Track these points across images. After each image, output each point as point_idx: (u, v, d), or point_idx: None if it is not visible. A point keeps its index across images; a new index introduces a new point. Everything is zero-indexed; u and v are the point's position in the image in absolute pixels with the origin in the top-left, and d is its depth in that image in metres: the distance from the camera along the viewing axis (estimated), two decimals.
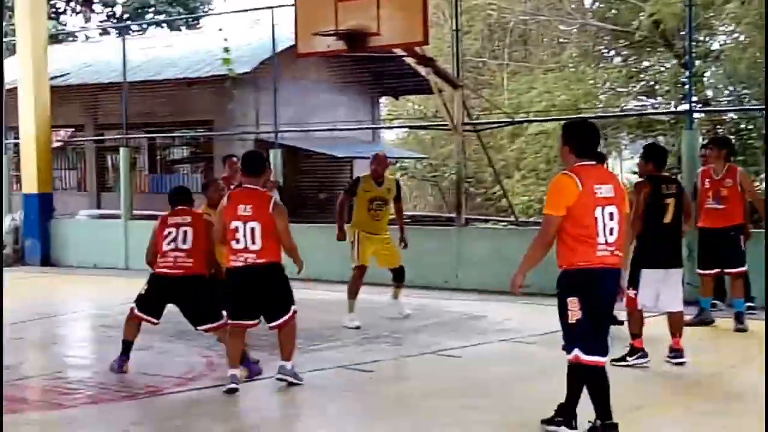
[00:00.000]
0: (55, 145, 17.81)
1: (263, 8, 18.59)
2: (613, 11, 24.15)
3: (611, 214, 5.38)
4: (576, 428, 5.57)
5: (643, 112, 22.02)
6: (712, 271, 9.43)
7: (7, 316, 9.13)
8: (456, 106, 13.26)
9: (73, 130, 21.12)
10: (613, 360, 7.24)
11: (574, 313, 5.45)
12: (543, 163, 22.54)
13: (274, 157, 15.14)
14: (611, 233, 5.38)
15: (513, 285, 5.72)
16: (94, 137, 20.26)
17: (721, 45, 21.33)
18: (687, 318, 8.88)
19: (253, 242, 6.82)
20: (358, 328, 9.52)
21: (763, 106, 17.40)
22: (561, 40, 25.03)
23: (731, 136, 21.28)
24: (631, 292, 7.40)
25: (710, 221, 9.46)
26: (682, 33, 18.25)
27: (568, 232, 5.39)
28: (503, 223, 18.56)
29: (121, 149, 17.29)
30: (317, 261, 14.00)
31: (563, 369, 7.22)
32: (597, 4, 25.14)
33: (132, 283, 14.40)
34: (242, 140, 17.89)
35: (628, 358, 7.53)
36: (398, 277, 10.28)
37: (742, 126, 20.68)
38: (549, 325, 9.39)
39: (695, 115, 13.67)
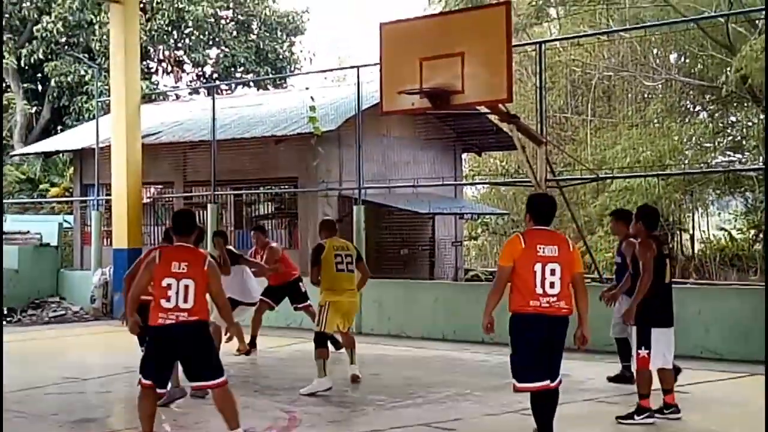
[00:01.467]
0: (145, 201, 18.29)
1: (349, 68, 19.05)
2: (699, 66, 23.92)
3: (552, 270, 6.40)
4: None
5: (730, 168, 21.65)
6: None
7: (96, 369, 9.39)
8: (539, 162, 13.24)
9: (163, 186, 21.70)
10: (619, 417, 7.40)
11: (512, 349, 6.55)
12: None
13: (358, 212, 15.30)
14: (551, 286, 6.40)
15: (483, 328, 6.59)
16: (182, 194, 20.75)
17: None
18: None
19: (186, 300, 6.62)
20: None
21: None
22: (646, 95, 24.83)
23: None
24: (643, 352, 7.61)
25: None
26: None
27: (514, 282, 6.48)
28: (587, 280, 18.31)
29: (209, 205, 17.68)
30: (399, 316, 14.08)
31: (650, 428, 7.10)
32: (682, 59, 24.95)
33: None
34: (326, 196, 18.12)
35: (635, 417, 7.65)
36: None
37: None
38: (631, 386, 9.27)
39: None
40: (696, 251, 24.36)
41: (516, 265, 6.44)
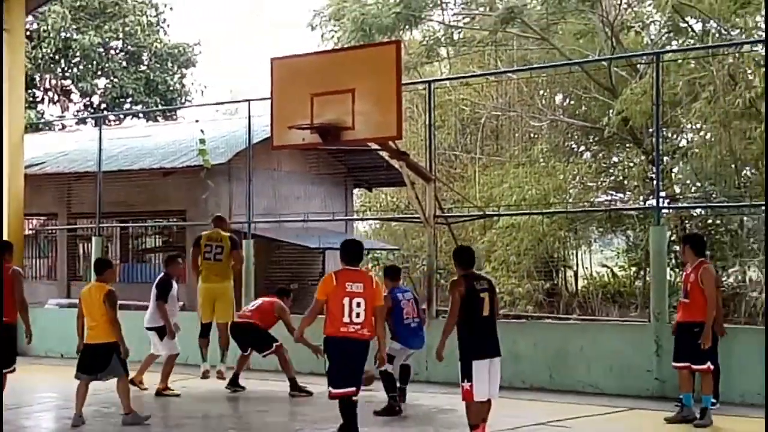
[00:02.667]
0: (27, 233, 17.75)
1: (240, 101, 18.92)
2: (583, 108, 24.69)
3: (358, 303, 7.88)
4: None
5: (612, 207, 22.35)
6: (682, 364, 9.42)
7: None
8: (428, 199, 13.42)
9: (46, 218, 21.13)
10: None
11: (329, 363, 7.94)
12: (513, 255, 22.70)
13: (247, 247, 15.16)
14: (357, 316, 7.86)
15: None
16: (66, 226, 20.24)
17: (688, 142, 21.79)
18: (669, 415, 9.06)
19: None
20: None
21: (732, 204, 17.80)
22: (532, 135, 25.47)
23: (698, 231, 21.68)
24: (466, 384, 7.87)
25: (679, 315, 9.58)
26: (650, 130, 18.67)
27: (328, 311, 7.92)
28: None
29: (94, 238, 17.27)
30: (291, 352, 13.96)
31: None
32: (567, 100, 25.70)
33: None
34: None
35: None
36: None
37: (710, 221, 21.01)
38: (518, 418, 9.45)
39: (663, 210, 13.93)
40: (579, 287, 24.97)
41: (329, 299, 7.90)
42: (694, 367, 9.28)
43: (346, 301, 7.83)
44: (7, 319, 9.08)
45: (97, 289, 9.49)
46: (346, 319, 7.82)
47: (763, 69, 16.84)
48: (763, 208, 16.80)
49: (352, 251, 8.22)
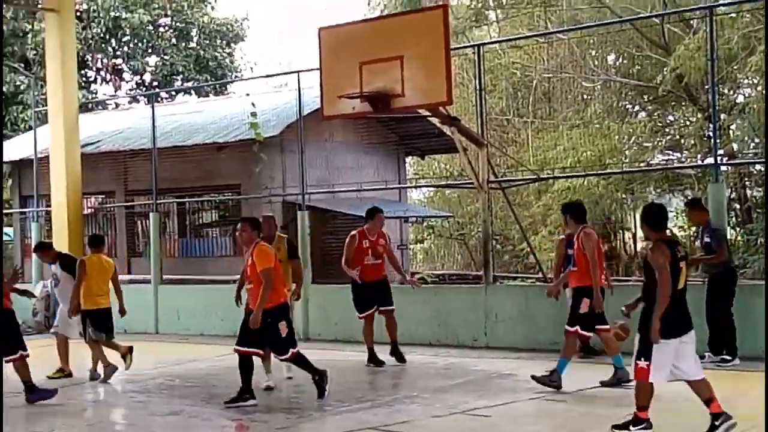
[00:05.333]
0: (86, 211, 18.00)
1: (290, 73, 18.91)
2: (637, 66, 24.26)
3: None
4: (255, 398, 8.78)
5: (669, 166, 21.98)
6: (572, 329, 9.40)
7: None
8: (481, 165, 13.34)
9: (104, 196, 21.41)
10: (615, 426, 7.07)
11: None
12: None
13: (302, 218, 15.25)
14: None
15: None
16: (124, 203, 20.49)
17: (745, 98, 21.30)
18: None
19: None
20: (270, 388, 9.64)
21: None
22: (585, 96, 25.11)
23: (758, 188, 21.24)
24: (642, 363, 6.92)
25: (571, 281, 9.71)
26: (706, 87, 18.29)
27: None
28: (531, 280, 18.48)
29: (151, 214, 17.48)
30: (345, 321, 14.06)
31: (594, 426, 7.17)
32: (620, 60, 25.28)
33: (162, 348, 14.51)
34: (270, 203, 18.03)
35: (631, 427, 7.07)
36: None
37: None
38: (577, 382, 9.39)
39: (722, 168, 13.67)
40: (638, 249, 24.67)
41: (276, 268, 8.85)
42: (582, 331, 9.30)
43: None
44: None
45: (107, 261, 11.23)
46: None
47: None
48: None
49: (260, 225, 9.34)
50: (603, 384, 9.28)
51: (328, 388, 8.95)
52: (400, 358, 11.33)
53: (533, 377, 9.30)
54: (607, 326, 9.20)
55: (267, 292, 8.58)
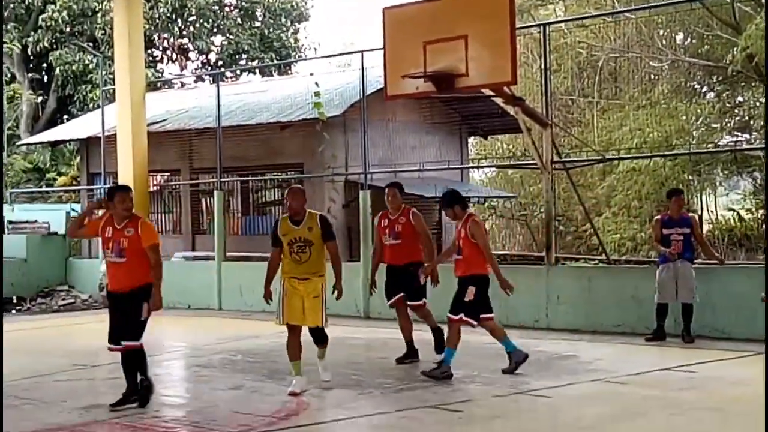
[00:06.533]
0: (152, 189, 18.26)
1: (353, 52, 18.95)
2: (706, 46, 23.80)
3: None
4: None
5: (736, 148, 21.55)
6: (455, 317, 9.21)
7: (105, 356, 9.42)
8: (545, 145, 13.24)
9: (170, 174, 21.71)
10: None
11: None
12: (635, 200, 22.22)
13: (364, 197, 15.29)
14: None
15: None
16: (189, 181, 20.75)
17: None
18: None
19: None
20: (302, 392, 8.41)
21: None
22: (652, 76, 24.72)
23: None
24: None
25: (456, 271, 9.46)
26: None
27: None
28: (594, 262, 18.31)
29: (216, 192, 17.70)
30: None
31: (655, 409, 7.11)
32: (689, 39, 24.83)
33: (225, 324, 14.71)
34: (332, 182, 18.12)
35: None
36: (316, 339, 8.79)
37: None
38: (640, 365, 9.33)
39: None
40: (705, 232, 24.30)
41: None
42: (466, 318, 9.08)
43: None
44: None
45: None
46: None
47: None
48: None
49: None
50: (504, 372, 9.17)
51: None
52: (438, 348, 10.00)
53: (423, 373, 9.09)
54: (492, 315, 9.17)
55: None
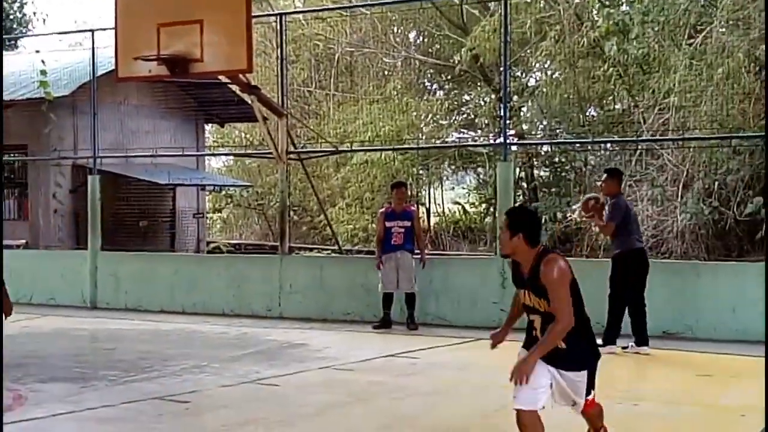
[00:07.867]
0: None
1: (83, 31, 18.17)
2: (436, 45, 24.81)
3: None
4: None
5: (462, 144, 22.68)
6: None
7: None
8: (280, 135, 13.30)
9: None
10: None
11: None
12: (368, 192, 22.83)
13: (93, 183, 14.73)
14: None
15: None
16: None
17: (536, 81, 22.25)
18: None
19: None
20: None
21: (576, 140, 18.35)
22: (386, 72, 25.46)
23: (545, 169, 22.31)
24: None
25: None
26: (500, 68, 18.96)
27: None
28: (327, 252, 18.67)
29: None
30: (136, 290, 13.75)
31: (379, 394, 7.37)
32: (421, 38, 25.78)
33: None
34: (59, 165, 17.30)
35: None
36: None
37: (556, 159, 21.63)
38: (367, 352, 9.62)
39: (512, 147, 14.25)
40: (432, 224, 25.38)
41: None
42: None
43: None
44: None
45: None
46: None
47: (606, 8, 17.36)
48: (608, 146, 17.48)
49: None
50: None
51: None
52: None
53: None
54: None
55: None
